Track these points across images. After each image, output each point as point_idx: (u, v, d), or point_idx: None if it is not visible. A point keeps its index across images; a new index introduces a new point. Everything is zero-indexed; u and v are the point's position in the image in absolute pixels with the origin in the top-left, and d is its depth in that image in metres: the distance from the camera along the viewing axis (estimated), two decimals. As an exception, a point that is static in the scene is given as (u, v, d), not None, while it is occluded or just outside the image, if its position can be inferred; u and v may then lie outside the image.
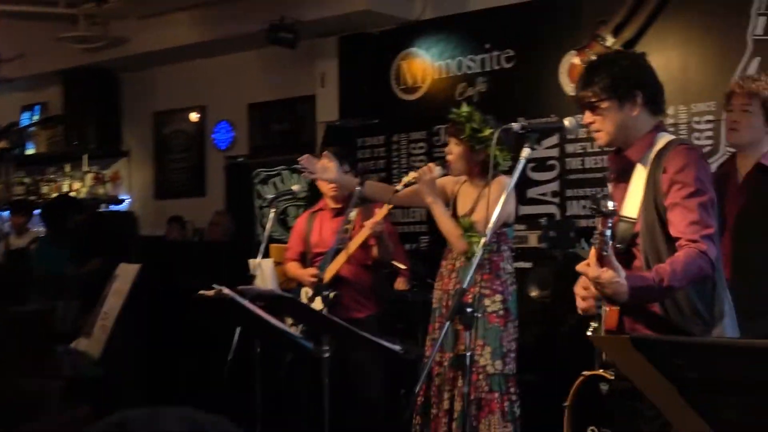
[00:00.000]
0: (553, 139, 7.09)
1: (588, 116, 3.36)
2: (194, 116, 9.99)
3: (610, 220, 2.89)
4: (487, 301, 4.72)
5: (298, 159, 5.03)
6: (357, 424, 5.50)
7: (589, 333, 5.36)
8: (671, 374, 1.68)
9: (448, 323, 3.10)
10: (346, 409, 5.54)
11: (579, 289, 3.37)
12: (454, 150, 4.86)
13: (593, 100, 3.29)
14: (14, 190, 11.11)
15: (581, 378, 5.27)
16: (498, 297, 4.76)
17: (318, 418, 4.08)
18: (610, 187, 3.49)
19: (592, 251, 3.02)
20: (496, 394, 4.67)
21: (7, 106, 11.53)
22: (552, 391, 5.61)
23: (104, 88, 10.33)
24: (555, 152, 7.12)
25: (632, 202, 3.26)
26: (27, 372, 5.95)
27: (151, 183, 10.48)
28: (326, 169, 5.04)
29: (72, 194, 10.40)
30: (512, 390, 4.75)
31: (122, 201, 10.61)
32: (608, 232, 2.90)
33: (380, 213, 5.37)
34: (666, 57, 6.35)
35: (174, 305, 6.90)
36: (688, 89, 6.41)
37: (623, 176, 3.37)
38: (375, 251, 5.55)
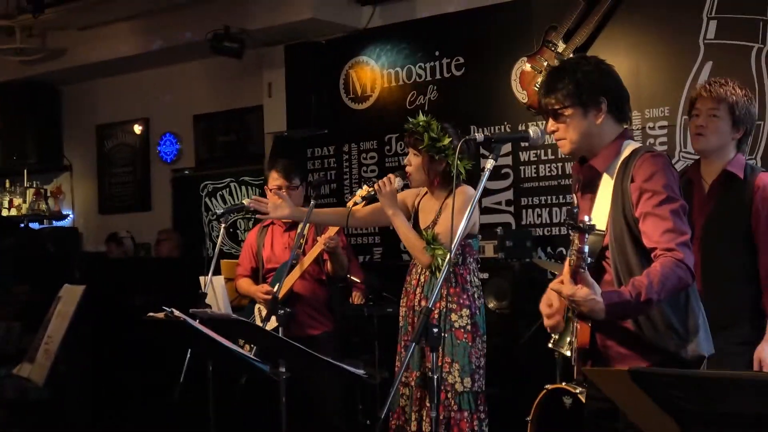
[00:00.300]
0: (507, 147, 6.95)
1: (551, 124, 3.24)
2: (137, 128, 9.76)
3: (587, 236, 2.76)
4: (454, 316, 4.56)
5: (246, 202, 4.90)
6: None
7: (550, 345, 5.31)
8: (669, 407, 1.57)
9: (413, 345, 2.95)
10: (304, 429, 5.39)
11: (544, 307, 3.24)
12: (413, 161, 4.71)
13: (557, 107, 3.18)
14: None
15: (544, 391, 5.20)
16: (465, 311, 4.58)
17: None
18: (575, 198, 3.37)
19: (566, 267, 2.90)
20: (466, 413, 4.51)
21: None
22: (513, 404, 5.53)
23: (43, 102, 10.07)
24: (508, 160, 7.03)
25: (600, 214, 3.15)
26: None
27: (95, 198, 10.22)
28: (277, 207, 4.86)
29: (4, 213, 10.14)
30: (481, 408, 4.59)
31: (65, 216, 10.34)
32: (586, 249, 2.78)
33: (333, 227, 5.23)
34: (618, 62, 6.08)
35: (122, 324, 6.70)
36: (641, 95, 6.34)
37: (589, 187, 3.26)
38: (329, 266, 5.41)
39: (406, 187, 4.78)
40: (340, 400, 5.51)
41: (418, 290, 4.70)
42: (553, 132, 3.24)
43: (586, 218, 2.75)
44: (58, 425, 6.53)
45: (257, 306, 5.48)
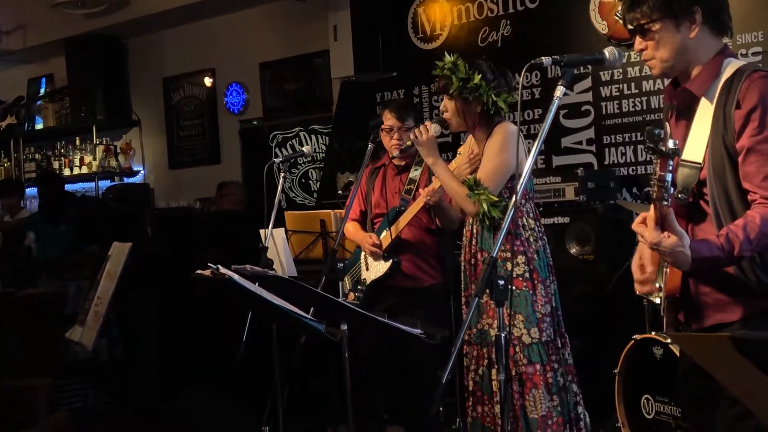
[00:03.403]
0: (587, 83, 6.64)
1: (638, 42, 2.82)
2: (208, 81, 9.53)
3: (671, 162, 2.35)
4: (509, 265, 4.18)
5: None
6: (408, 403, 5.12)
7: (638, 292, 4.90)
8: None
9: (476, 299, 2.59)
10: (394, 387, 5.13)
11: (636, 271, 2.85)
12: (448, 106, 4.40)
13: (643, 21, 2.76)
14: (25, 167, 10.73)
15: (632, 342, 4.82)
16: (521, 258, 4.21)
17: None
18: (668, 126, 2.93)
19: (651, 209, 2.49)
20: (538, 366, 4.15)
21: (14, 79, 11.17)
22: (600, 356, 5.16)
23: (109, 56, 9.89)
24: (588, 96, 6.64)
25: (696, 144, 2.71)
26: (36, 357, 5.62)
27: (164, 152, 10.06)
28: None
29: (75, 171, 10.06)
30: (554, 358, 4.22)
31: (136, 173, 10.21)
32: (669, 177, 2.37)
33: (437, 180, 4.90)
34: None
35: (187, 280, 6.52)
36: (732, 18, 5.82)
37: (684, 113, 2.82)
38: (437, 219, 5.07)
39: (445, 133, 4.45)
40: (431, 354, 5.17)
41: (473, 242, 4.36)
42: (641, 51, 2.82)
43: (671, 142, 2.34)
44: (128, 385, 6.42)
45: (363, 254, 5.16)
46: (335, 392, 5.15)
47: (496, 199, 4.17)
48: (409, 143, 4.54)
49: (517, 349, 4.15)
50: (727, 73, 2.72)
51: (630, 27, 2.82)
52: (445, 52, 4.44)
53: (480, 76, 4.24)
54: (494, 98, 4.22)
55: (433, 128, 4.40)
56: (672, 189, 2.41)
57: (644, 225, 2.52)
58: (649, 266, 2.83)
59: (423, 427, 5.23)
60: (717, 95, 2.70)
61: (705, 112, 2.73)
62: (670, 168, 2.36)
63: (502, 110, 4.29)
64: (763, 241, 2.52)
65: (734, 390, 1.45)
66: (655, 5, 2.73)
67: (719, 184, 2.66)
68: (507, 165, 4.20)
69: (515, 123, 4.42)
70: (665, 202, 2.41)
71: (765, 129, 2.59)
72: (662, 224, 2.46)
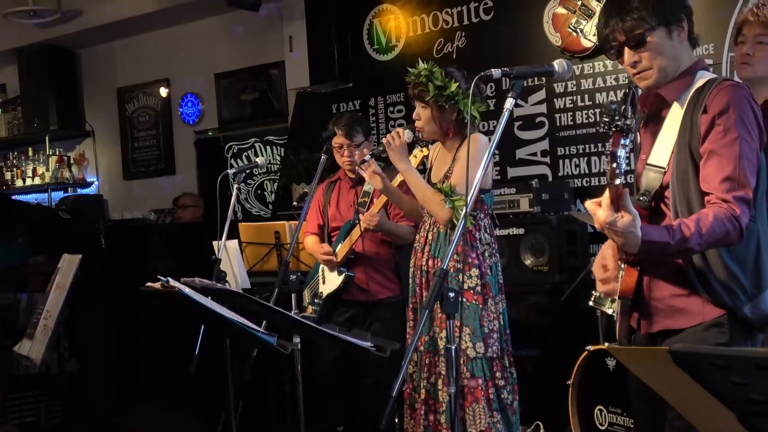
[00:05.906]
0: (540, 95, 6.65)
1: (629, 55, 2.76)
2: (163, 91, 9.45)
3: (625, 139, 2.36)
4: (461, 277, 4.18)
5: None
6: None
7: (590, 303, 4.91)
8: (728, 397, 1.18)
9: (426, 312, 2.59)
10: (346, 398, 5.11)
11: (598, 270, 2.85)
12: (422, 114, 4.36)
13: (640, 30, 2.70)
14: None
15: (585, 353, 4.82)
16: (474, 271, 4.21)
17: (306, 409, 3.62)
18: (638, 136, 2.94)
19: (607, 191, 2.49)
20: (480, 381, 4.14)
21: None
22: (553, 367, 5.17)
23: (62, 66, 9.76)
24: (542, 108, 6.65)
25: (662, 148, 2.74)
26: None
27: (118, 163, 9.95)
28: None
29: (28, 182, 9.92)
30: (498, 375, 4.21)
31: (90, 183, 10.10)
32: (622, 153, 2.37)
33: (377, 204, 4.89)
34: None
35: (141, 293, 6.45)
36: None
37: (653, 119, 2.84)
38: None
39: (416, 140, 4.43)
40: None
41: (426, 248, 4.35)
42: (635, 63, 2.77)
43: (628, 119, 2.36)
44: (82, 400, 6.35)
45: (321, 266, 5.14)
46: (290, 405, 5.14)
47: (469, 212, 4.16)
48: (380, 148, 4.46)
49: (462, 361, 4.14)
50: (699, 83, 2.75)
51: (621, 39, 2.76)
52: (420, 60, 4.42)
53: (456, 84, 4.23)
54: (471, 107, 4.22)
55: (406, 134, 4.36)
56: (624, 165, 2.41)
57: (598, 205, 2.52)
58: (611, 264, 2.84)
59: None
60: (687, 102, 2.73)
61: (674, 118, 2.75)
62: (624, 144, 2.36)
63: (476, 119, 4.28)
64: (712, 238, 2.54)
65: (674, 403, 1.45)
66: (652, 12, 2.70)
67: (681, 189, 2.68)
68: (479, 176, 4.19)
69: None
70: (618, 180, 2.41)
71: (728, 133, 2.61)
72: (616, 204, 2.47)
